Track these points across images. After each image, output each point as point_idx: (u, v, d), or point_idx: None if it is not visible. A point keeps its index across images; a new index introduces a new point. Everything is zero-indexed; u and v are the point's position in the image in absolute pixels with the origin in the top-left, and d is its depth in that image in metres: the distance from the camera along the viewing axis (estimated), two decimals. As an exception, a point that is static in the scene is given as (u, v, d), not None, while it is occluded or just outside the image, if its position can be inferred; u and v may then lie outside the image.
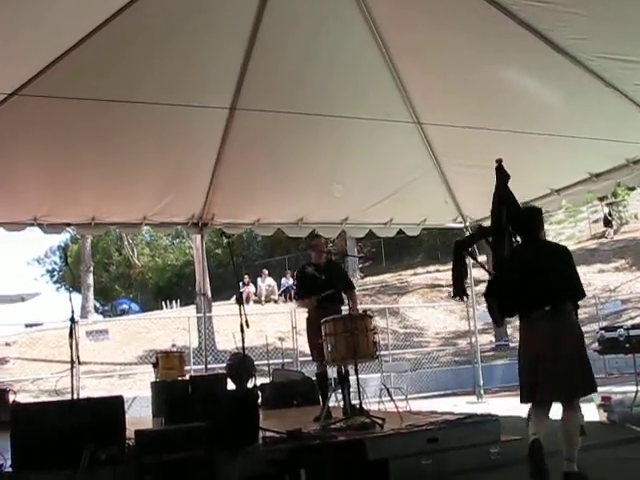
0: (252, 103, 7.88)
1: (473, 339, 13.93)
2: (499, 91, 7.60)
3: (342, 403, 7.16)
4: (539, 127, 7.93)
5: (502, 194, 6.08)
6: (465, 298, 6.28)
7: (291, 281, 26.41)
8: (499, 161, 6.39)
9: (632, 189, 29.12)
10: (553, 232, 31.11)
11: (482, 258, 9.16)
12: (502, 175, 6.20)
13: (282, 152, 9.00)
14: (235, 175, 9.21)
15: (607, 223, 30.76)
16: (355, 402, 6.92)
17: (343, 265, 7.89)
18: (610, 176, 8.70)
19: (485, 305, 5.28)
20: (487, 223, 11.16)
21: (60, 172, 8.20)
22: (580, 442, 4.70)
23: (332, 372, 7.92)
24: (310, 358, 8.03)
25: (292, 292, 25.79)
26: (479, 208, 10.88)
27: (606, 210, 30.88)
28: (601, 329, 8.50)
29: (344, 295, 7.61)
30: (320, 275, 7.53)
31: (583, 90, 7.11)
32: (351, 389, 7.06)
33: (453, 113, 8.20)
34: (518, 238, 5.36)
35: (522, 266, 4.93)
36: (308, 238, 10.20)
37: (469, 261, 7.66)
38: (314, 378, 9.10)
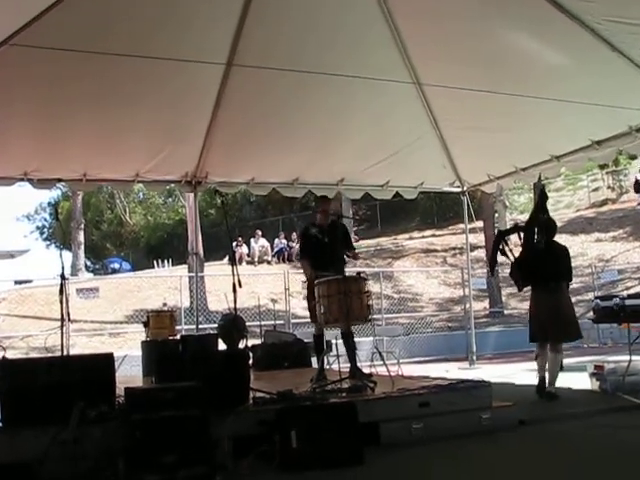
0: (250, 60, 7.80)
1: (467, 305, 14.03)
2: (501, 54, 7.52)
3: (330, 366, 7.21)
4: (541, 91, 7.88)
5: (539, 205, 8.29)
6: (493, 274, 8.30)
7: (285, 242, 26.47)
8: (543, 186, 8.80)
9: (634, 157, 29.03)
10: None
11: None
12: (543, 196, 8.43)
13: (278, 111, 8.93)
14: (230, 133, 9.15)
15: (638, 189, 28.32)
16: (344, 365, 6.98)
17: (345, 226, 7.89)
18: (612, 143, 8.66)
19: (487, 272, 7.29)
20: (485, 188, 11.29)
21: (52, 127, 8.12)
22: (558, 372, 7.56)
23: (325, 335, 7.96)
24: (302, 320, 8.09)
25: (285, 253, 25.90)
26: (477, 173, 10.89)
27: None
28: (596, 298, 8.58)
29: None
30: (323, 237, 7.59)
31: (588, 54, 7.04)
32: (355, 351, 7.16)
33: (453, 75, 8.13)
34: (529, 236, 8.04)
35: (540, 256, 7.79)
36: (304, 199, 10.18)
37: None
38: (306, 340, 9.18)
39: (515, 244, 8.28)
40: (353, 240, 8.88)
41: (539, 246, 7.89)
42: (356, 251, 8.14)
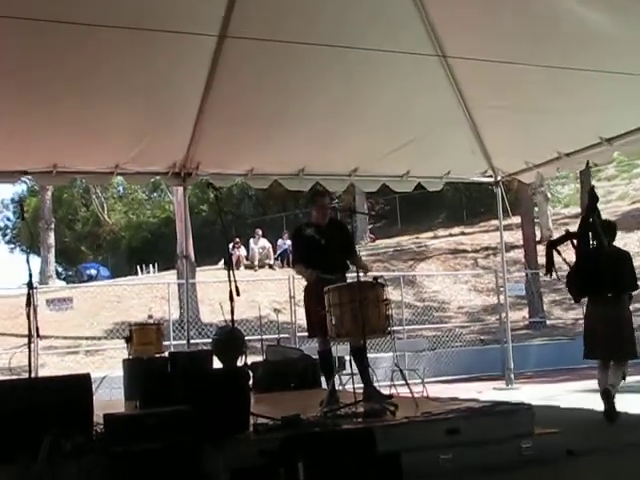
0: (247, 31, 7.78)
1: (503, 315, 13.96)
2: (546, 20, 7.49)
3: (343, 387, 7.19)
4: (587, 62, 7.82)
5: (590, 207, 8.39)
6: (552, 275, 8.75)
7: (289, 243, 26.45)
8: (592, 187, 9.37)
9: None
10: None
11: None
12: (593, 199, 8.50)
13: (282, 91, 8.92)
14: (225, 117, 9.14)
15: None
16: (359, 386, 6.96)
17: (351, 225, 7.79)
18: (675, 124, 8.64)
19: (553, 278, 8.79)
20: (523, 177, 11.26)
21: (15, 110, 8.08)
22: (621, 379, 7.70)
23: (336, 350, 7.94)
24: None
25: (290, 256, 25.88)
26: (513, 160, 10.85)
27: None
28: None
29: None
30: (320, 238, 7.50)
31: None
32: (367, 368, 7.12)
33: (485, 47, 8.10)
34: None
35: (596, 263, 7.89)
36: (310, 193, 10.17)
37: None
38: (315, 357, 9.15)
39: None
40: (364, 241, 8.82)
41: (599, 252, 7.98)
42: (361, 259, 7.96)
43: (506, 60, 8.01)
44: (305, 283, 7.68)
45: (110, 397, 10.62)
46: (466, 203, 33.83)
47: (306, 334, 8.07)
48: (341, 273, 7.44)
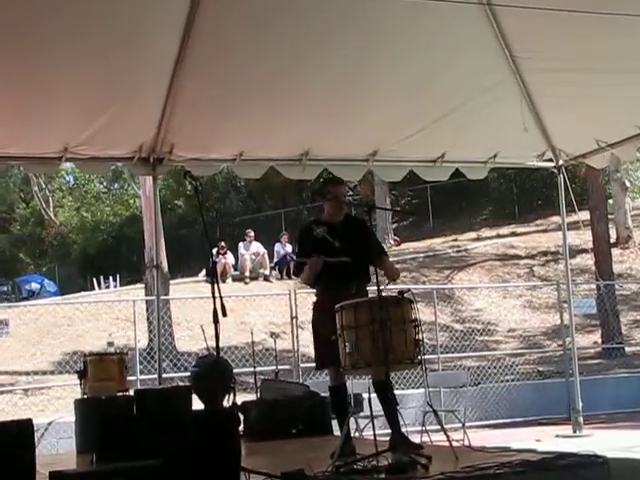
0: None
1: (568, 340, 13.96)
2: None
3: (360, 434, 7.20)
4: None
5: None
6: None
7: (289, 247, 26.50)
8: None
9: None
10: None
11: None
12: None
13: (278, 54, 8.94)
14: (206, 85, 9.16)
15: None
16: (382, 432, 6.97)
17: (369, 225, 7.74)
18: None
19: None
20: (593, 161, 11.25)
21: None
22: None
23: (351, 386, 7.97)
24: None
25: (291, 263, 25.91)
26: (579, 138, 10.86)
27: None
28: None
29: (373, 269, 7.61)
30: (334, 239, 7.51)
31: None
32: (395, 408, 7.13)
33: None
34: None
35: None
36: (320, 182, 10.18)
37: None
38: (324, 394, 9.18)
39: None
40: (386, 245, 8.82)
41: None
42: (392, 264, 7.97)
43: (570, 7, 8.02)
44: (314, 298, 7.67)
45: (57, 449, 10.67)
46: (518, 195, 33.84)
47: (313, 365, 8.08)
48: (363, 286, 7.43)
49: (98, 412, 8.60)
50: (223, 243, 26.13)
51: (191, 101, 9.36)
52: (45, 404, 16.64)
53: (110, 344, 10.79)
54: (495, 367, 18.21)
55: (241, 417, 9.36)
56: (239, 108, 9.48)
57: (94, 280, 31.22)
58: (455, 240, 31.41)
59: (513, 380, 17.84)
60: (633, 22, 7.94)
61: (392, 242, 31.24)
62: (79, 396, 9.59)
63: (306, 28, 8.65)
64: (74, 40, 8.17)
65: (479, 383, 16.79)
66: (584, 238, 22.26)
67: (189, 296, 20.05)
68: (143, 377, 14.33)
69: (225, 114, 9.58)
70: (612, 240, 24.74)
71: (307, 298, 15.00)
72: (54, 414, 13.40)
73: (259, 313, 19.99)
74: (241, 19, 8.48)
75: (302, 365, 14.53)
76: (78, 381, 9.69)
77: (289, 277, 25.46)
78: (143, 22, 8.28)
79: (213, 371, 8.99)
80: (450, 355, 18.46)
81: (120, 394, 9.37)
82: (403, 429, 7.16)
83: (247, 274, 25.66)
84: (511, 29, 9.18)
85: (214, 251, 24.55)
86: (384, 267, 7.50)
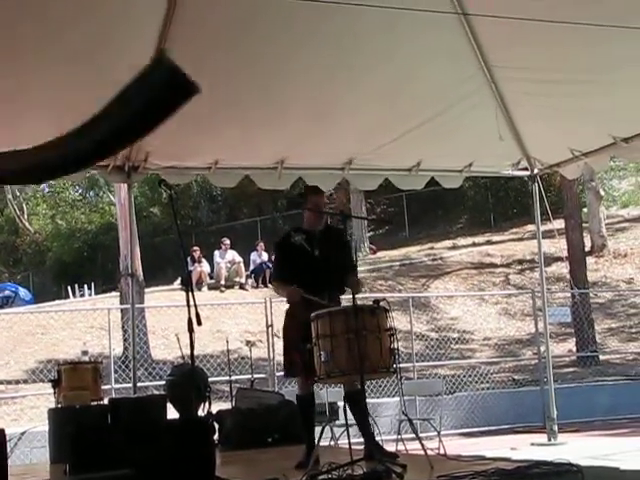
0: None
1: (542, 348, 14.00)
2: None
3: (336, 442, 7.21)
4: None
5: None
6: None
7: (265, 256, 26.48)
8: None
9: None
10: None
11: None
12: None
13: (255, 60, 8.94)
14: (180, 92, 9.16)
15: None
16: (356, 441, 6.98)
17: (345, 233, 7.78)
18: None
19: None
20: (567, 171, 11.29)
21: None
22: None
23: (326, 395, 7.96)
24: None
25: (267, 271, 25.92)
26: (554, 147, 10.90)
27: None
28: None
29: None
30: (313, 249, 7.53)
31: None
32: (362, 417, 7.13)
33: (517, 1, 8.15)
34: None
35: None
36: (294, 190, 10.19)
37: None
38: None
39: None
40: (362, 254, 8.82)
41: None
42: (358, 276, 7.96)
43: (545, 18, 8.05)
44: (288, 308, 7.68)
45: (30, 459, 10.61)
46: (494, 204, 33.93)
47: (288, 373, 8.08)
48: (336, 296, 7.46)
49: (72, 421, 8.59)
50: (198, 250, 26.08)
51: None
52: (18, 414, 16.55)
53: (84, 353, 10.75)
54: (470, 375, 18.26)
55: (216, 426, 9.35)
56: (214, 117, 9.46)
57: (69, 288, 31.07)
58: (431, 248, 31.45)
59: (488, 388, 17.90)
60: (608, 33, 7.98)
61: (369, 250, 31.27)
62: (53, 405, 9.54)
63: (279, 39, 8.66)
64: (50, 49, 8.15)
65: (454, 391, 16.84)
66: (559, 246, 22.33)
67: (164, 304, 19.99)
68: (118, 386, 14.28)
69: (200, 123, 9.55)
70: (587, 248, 24.85)
71: (283, 307, 14.97)
72: (28, 423, 13.33)
73: (235, 321, 19.97)
74: (215, 30, 8.48)
75: (278, 374, 14.49)
76: (52, 390, 9.64)
77: (265, 285, 25.45)
78: (118, 30, 8.27)
79: (188, 380, 8.97)
80: (425, 364, 18.49)
81: (94, 403, 9.34)
82: (377, 438, 7.17)
83: (223, 282, 25.64)
84: (486, 39, 9.22)
85: (189, 259, 24.54)
86: (353, 280, 7.50)
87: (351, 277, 7.55)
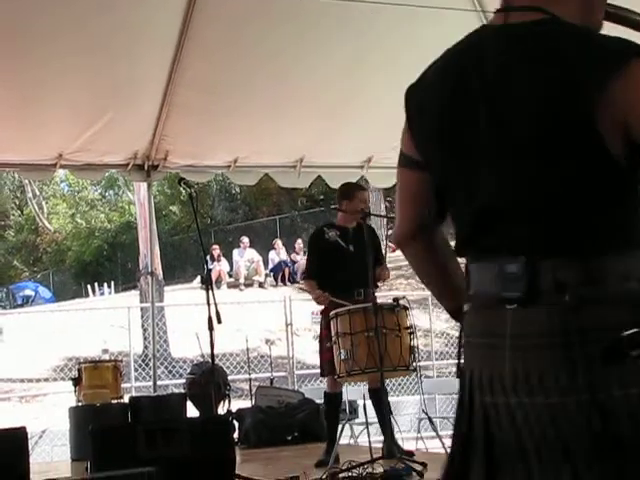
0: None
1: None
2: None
3: (356, 441, 7.21)
4: None
5: None
6: None
7: (283, 254, 26.48)
8: None
9: None
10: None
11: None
12: None
13: (272, 59, 8.94)
14: (200, 92, 9.16)
15: None
16: (376, 439, 6.97)
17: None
18: None
19: None
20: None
21: None
22: None
23: (346, 392, 7.96)
24: (314, 371, 8.07)
25: (286, 270, 25.91)
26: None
27: None
28: None
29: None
30: (347, 244, 7.54)
31: None
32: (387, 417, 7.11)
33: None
34: None
35: None
36: (313, 189, 10.16)
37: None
38: (319, 400, 9.18)
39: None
40: (387, 249, 8.81)
41: None
42: (387, 270, 8.00)
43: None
44: (323, 308, 7.61)
45: (52, 457, 10.64)
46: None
47: (307, 372, 8.09)
48: (371, 292, 7.42)
49: (93, 419, 8.60)
50: (217, 248, 26.08)
51: (186, 108, 9.36)
52: (39, 411, 16.61)
53: (105, 351, 10.77)
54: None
55: (236, 424, 9.36)
56: (233, 115, 9.48)
57: (89, 287, 31.16)
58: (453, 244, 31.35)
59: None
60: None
61: (388, 249, 31.19)
62: (74, 404, 9.56)
63: (297, 36, 8.66)
64: (69, 46, 8.18)
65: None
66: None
67: (184, 303, 20.01)
68: (138, 384, 14.30)
69: (220, 121, 9.58)
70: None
71: (302, 305, 15.01)
72: (49, 422, 13.37)
73: (254, 320, 19.95)
74: (234, 28, 8.49)
75: (297, 372, 14.51)
76: (73, 388, 9.65)
77: (284, 284, 25.47)
78: (139, 30, 8.30)
79: (208, 378, 8.98)
80: (445, 362, 18.43)
81: (115, 401, 9.35)
82: (397, 436, 7.16)
83: (242, 281, 25.64)
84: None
85: (209, 258, 24.54)
86: (382, 273, 7.54)
87: (379, 271, 7.63)
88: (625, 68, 1.98)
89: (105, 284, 30.88)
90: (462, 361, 2.32)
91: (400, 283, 25.49)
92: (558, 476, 1.98)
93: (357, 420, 9.87)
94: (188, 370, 11.45)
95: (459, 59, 2.40)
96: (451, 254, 2.57)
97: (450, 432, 2.32)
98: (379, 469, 6.29)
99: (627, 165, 2.03)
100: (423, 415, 7.86)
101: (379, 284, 7.77)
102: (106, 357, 10.63)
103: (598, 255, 2.04)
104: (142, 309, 17.77)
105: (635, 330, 1.95)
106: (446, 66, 2.47)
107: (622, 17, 2.66)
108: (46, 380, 18.46)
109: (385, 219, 31.14)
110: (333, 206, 8.15)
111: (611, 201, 2.07)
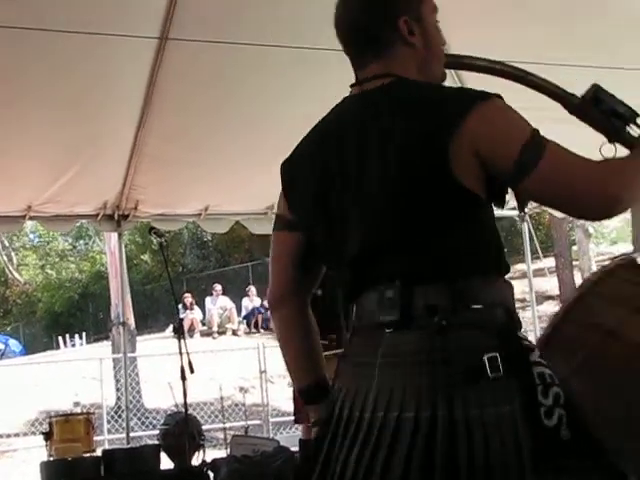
0: (191, 31, 7.85)
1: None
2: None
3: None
4: None
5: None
6: None
7: (257, 301, 26.44)
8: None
9: None
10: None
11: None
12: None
13: (239, 107, 8.98)
14: (169, 142, 9.17)
15: None
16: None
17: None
18: None
19: None
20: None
21: None
22: None
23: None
24: (289, 418, 8.03)
25: (259, 317, 25.88)
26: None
27: None
28: None
29: None
30: (317, 288, 7.55)
31: None
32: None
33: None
34: None
35: None
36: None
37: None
38: (295, 448, 9.13)
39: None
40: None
41: None
42: None
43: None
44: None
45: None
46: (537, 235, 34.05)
47: (283, 419, 8.06)
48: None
49: (64, 474, 8.54)
50: (189, 296, 26.03)
51: (156, 158, 9.37)
52: (10, 467, 16.43)
53: (76, 404, 10.69)
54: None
55: (211, 475, 9.30)
56: (203, 164, 9.50)
57: (60, 338, 30.97)
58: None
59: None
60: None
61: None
62: (45, 458, 9.47)
63: (265, 86, 8.71)
64: (38, 102, 8.19)
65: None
66: (551, 284, 22.36)
67: (156, 353, 19.92)
68: (111, 437, 14.22)
69: (190, 170, 9.60)
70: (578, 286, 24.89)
71: (276, 352, 14.92)
72: (19, 477, 13.24)
73: (228, 368, 19.89)
74: (201, 78, 8.53)
75: (272, 419, 14.46)
76: (44, 443, 9.56)
77: (257, 331, 25.43)
78: (107, 83, 8.32)
79: (182, 429, 8.93)
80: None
81: (87, 455, 9.26)
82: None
83: (215, 329, 25.58)
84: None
85: (180, 306, 24.47)
86: None
87: None
88: (472, 110, 2.24)
89: (76, 335, 30.68)
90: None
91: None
92: None
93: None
94: (162, 421, 11.36)
95: (325, 128, 2.73)
96: (315, 326, 2.95)
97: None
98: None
99: (486, 197, 2.29)
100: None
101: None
102: (78, 410, 10.55)
103: (464, 280, 2.26)
104: (114, 360, 17.68)
105: (494, 354, 2.17)
106: (313, 137, 2.77)
107: (464, 64, 2.87)
108: (16, 435, 18.27)
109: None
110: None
111: (472, 231, 2.30)
